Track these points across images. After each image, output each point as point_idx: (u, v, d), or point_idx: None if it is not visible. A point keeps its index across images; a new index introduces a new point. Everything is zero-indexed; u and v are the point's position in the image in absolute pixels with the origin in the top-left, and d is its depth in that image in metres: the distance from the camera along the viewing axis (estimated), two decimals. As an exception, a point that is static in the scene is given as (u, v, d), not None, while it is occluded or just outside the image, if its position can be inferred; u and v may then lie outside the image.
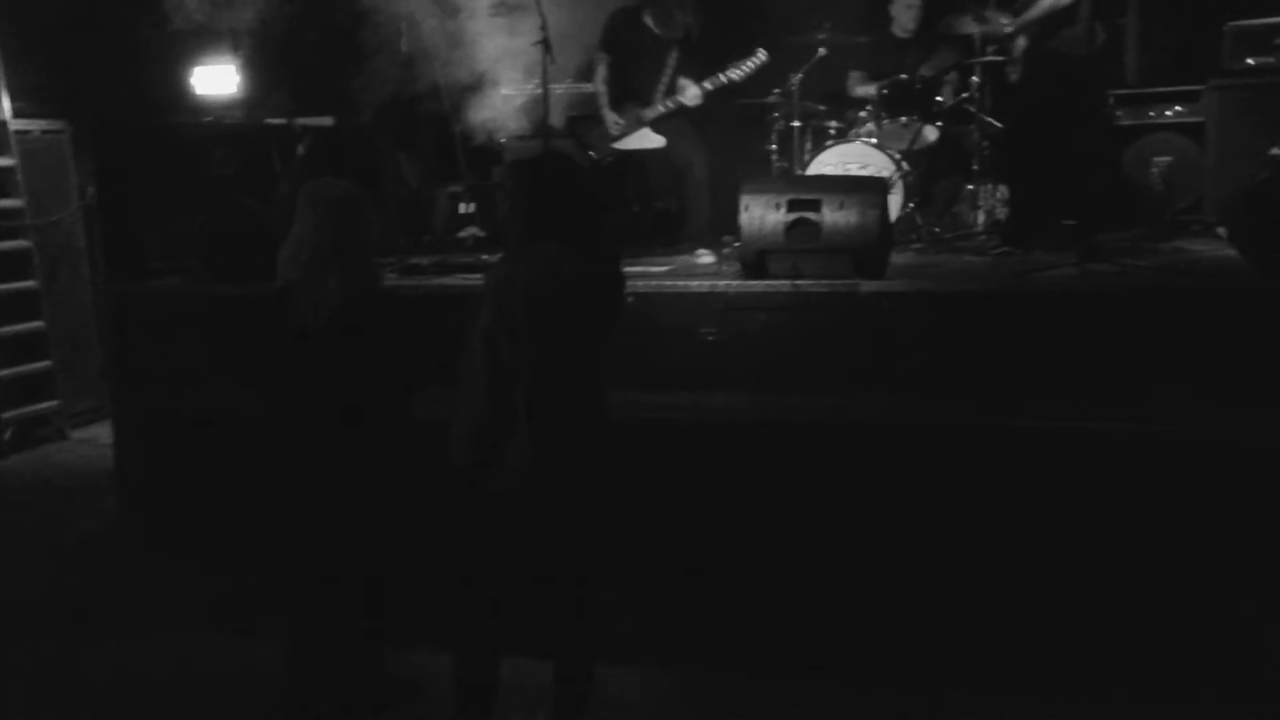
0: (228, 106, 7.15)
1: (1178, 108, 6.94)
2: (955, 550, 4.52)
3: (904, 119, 6.79)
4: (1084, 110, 6.02)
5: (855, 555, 4.62)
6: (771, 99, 7.20)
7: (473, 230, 7.33)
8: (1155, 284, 4.80)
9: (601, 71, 6.79)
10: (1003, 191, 6.94)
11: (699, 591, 4.61)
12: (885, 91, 6.87)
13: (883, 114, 6.85)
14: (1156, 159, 6.97)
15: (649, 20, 6.66)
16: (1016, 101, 6.32)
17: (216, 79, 7.23)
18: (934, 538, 4.57)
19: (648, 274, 5.75)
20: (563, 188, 3.11)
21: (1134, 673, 3.83)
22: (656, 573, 4.65)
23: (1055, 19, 5.91)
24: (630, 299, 5.09)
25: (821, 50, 7.05)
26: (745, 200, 5.18)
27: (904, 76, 6.89)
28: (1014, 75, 6.31)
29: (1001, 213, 6.93)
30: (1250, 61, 6.31)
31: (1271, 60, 6.25)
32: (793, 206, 5.10)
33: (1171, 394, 4.41)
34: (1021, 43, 6.15)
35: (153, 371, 5.49)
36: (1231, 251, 5.16)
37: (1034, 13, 5.96)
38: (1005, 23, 6.05)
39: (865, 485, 4.66)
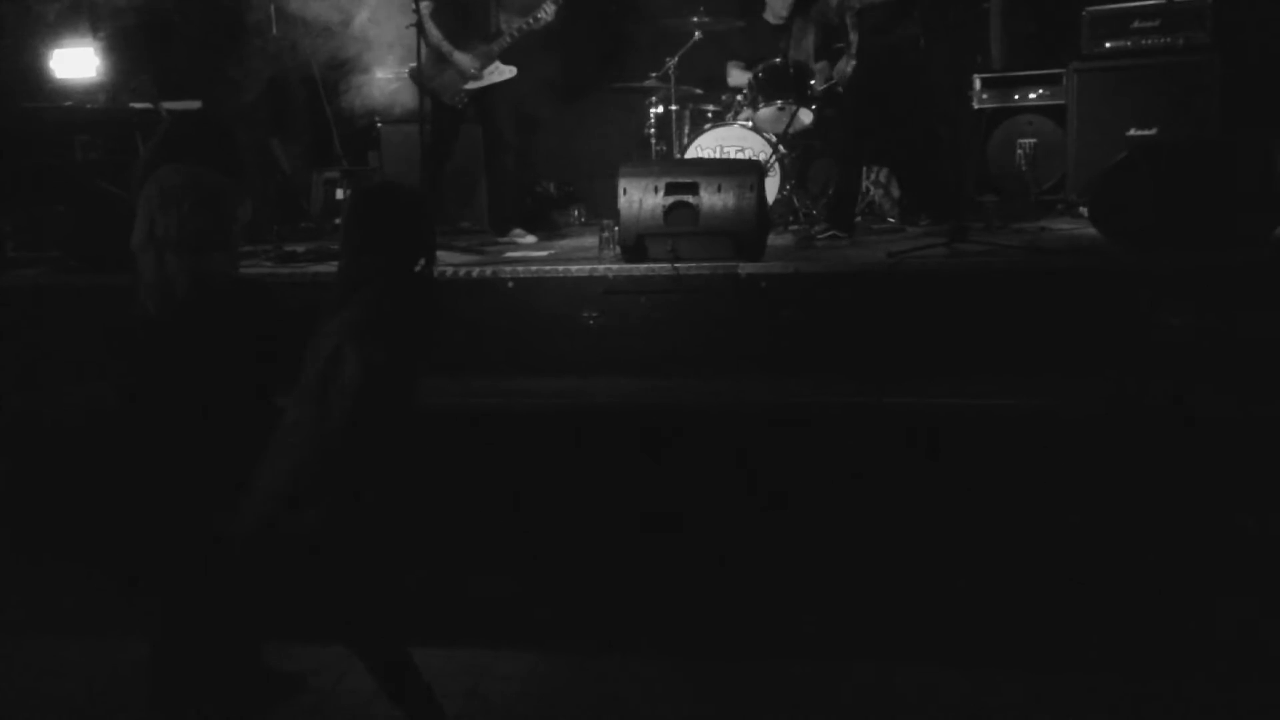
0: (89, 91, 6.90)
1: (1041, 90, 7.15)
2: (839, 528, 4.60)
3: (779, 103, 6.87)
4: (912, 101, 6.18)
5: (740, 536, 4.67)
6: (649, 83, 7.24)
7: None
8: (1022, 262, 4.94)
9: (429, 20, 6.36)
10: (877, 174, 7.09)
11: (584, 577, 4.61)
12: (760, 75, 6.94)
13: (759, 98, 6.92)
14: (1021, 140, 7.16)
15: None
16: (847, 91, 6.41)
17: (76, 62, 6.98)
18: (818, 516, 4.64)
19: (528, 259, 5.74)
20: (396, 219, 3.08)
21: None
22: (543, 559, 4.64)
23: (891, 12, 6.02)
24: (511, 285, 5.14)
25: (697, 35, 7.11)
26: (623, 184, 5.20)
27: (778, 61, 6.98)
28: (849, 66, 6.40)
29: (876, 194, 7.09)
30: (1107, 45, 6.54)
31: (1128, 44, 6.48)
32: (670, 190, 5.14)
33: (1039, 368, 4.56)
34: (854, 37, 6.25)
35: (13, 368, 5.27)
36: (1093, 230, 5.35)
37: None
38: (854, 3, 6.13)
39: (748, 465, 4.71)
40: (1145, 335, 4.56)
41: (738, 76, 7.45)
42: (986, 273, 4.84)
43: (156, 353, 3.12)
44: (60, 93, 6.76)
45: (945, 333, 4.74)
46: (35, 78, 6.73)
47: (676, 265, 5.01)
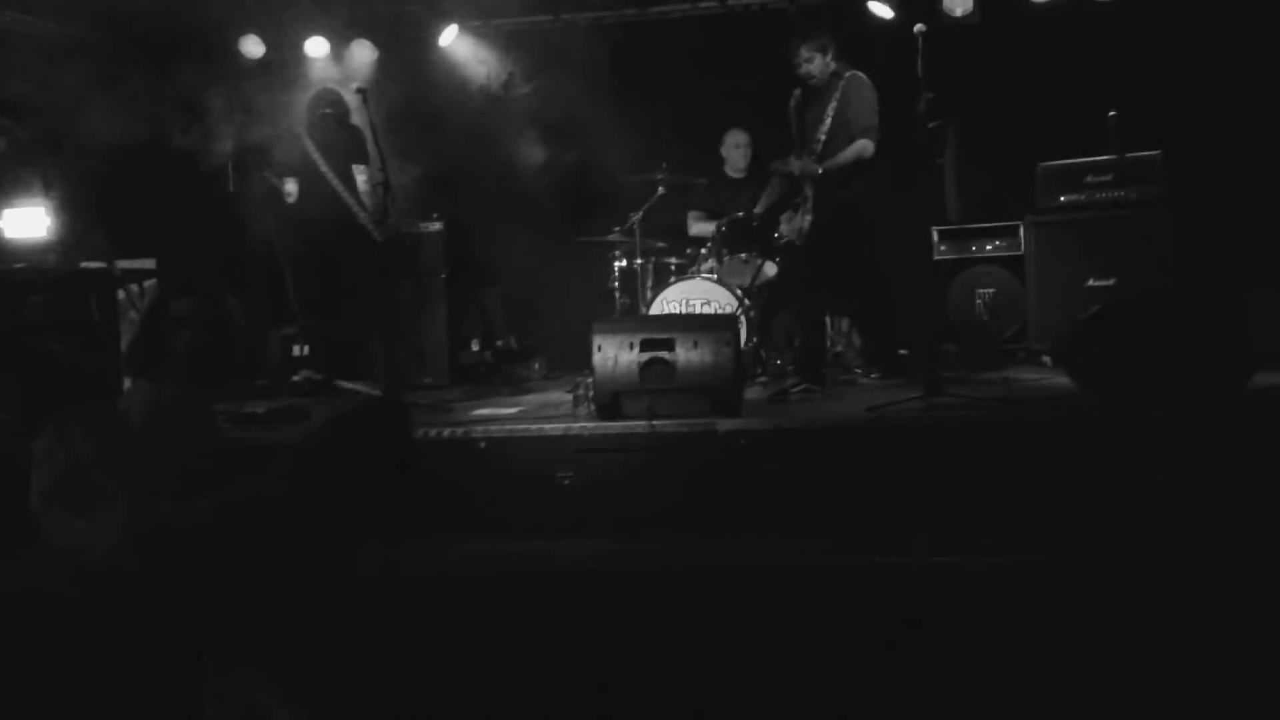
0: (41, 250, 6.75)
1: (997, 242, 7.28)
2: (821, 695, 4.41)
3: (744, 255, 6.91)
4: (868, 254, 6.32)
5: (721, 707, 4.47)
6: (613, 237, 7.25)
7: (307, 373, 7.06)
8: (1000, 415, 4.91)
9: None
10: (838, 325, 7.12)
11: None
12: (724, 229, 6.99)
13: (723, 250, 6.95)
14: (980, 290, 7.29)
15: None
16: (803, 246, 6.46)
17: (27, 222, 6.84)
18: (800, 683, 4.46)
19: (497, 416, 5.61)
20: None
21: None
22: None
23: (849, 172, 6.18)
24: (483, 444, 5.00)
25: (660, 189, 7.18)
26: (598, 340, 5.13)
27: (740, 214, 7.04)
28: (805, 221, 6.47)
29: (840, 344, 7.10)
30: (1062, 199, 6.69)
31: (1082, 197, 6.64)
32: (646, 346, 5.07)
33: (1026, 521, 4.48)
34: (810, 192, 6.35)
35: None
36: (1061, 379, 5.35)
37: (839, 160, 6.19)
38: (816, 168, 6.23)
39: (728, 630, 4.54)
40: (1128, 488, 4.52)
41: (698, 227, 7.51)
42: (967, 426, 4.79)
43: None
44: (11, 253, 6.61)
45: (931, 488, 4.66)
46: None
47: (653, 423, 4.91)
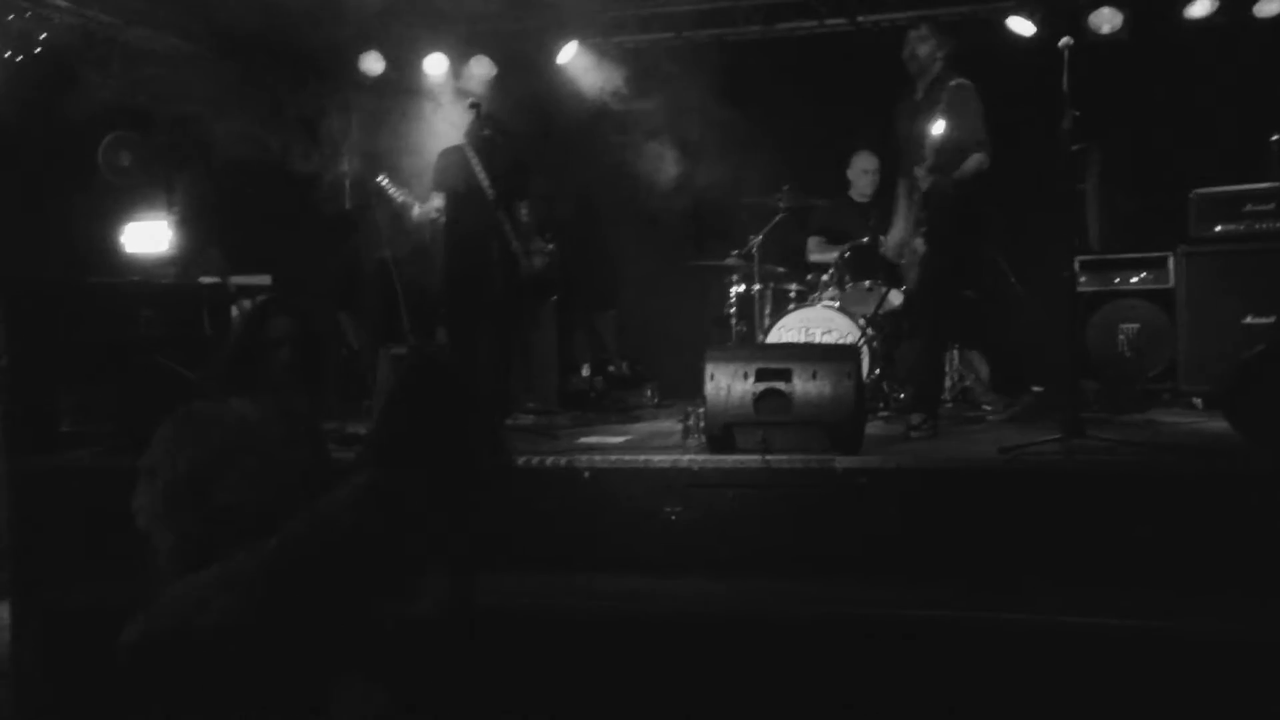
0: (160, 265, 6.79)
1: (1143, 274, 6.79)
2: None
3: (868, 283, 6.57)
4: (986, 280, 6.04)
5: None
6: (730, 261, 6.97)
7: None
8: (1148, 463, 4.49)
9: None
10: (963, 356, 6.72)
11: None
12: (847, 255, 6.67)
13: (846, 277, 6.63)
14: (1124, 325, 6.80)
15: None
16: (923, 270, 6.04)
17: (148, 236, 6.91)
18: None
19: (604, 445, 5.39)
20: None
21: None
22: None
23: (958, 192, 5.74)
24: (588, 475, 4.77)
25: (781, 213, 6.89)
26: (710, 369, 4.88)
27: (865, 240, 6.70)
28: (921, 246, 6.06)
29: (968, 378, 6.70)
30: (1218, 229, 6.21)
31: (1240, 228, 6.14)
32: (761, 376, 4.81)
33: (1175, 583, 4.06)
34: (923, 215, 5.96)
35: (60, 553, 4.96)
36: (1216, 424, 4.91)
37: (957, 176, 5.71)
38: (930, 179, 5.81)
39: (841, 682, 4.22)
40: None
41: (819, 254, 7.16)
42: (1111, 473, 4.37)
43: None
44: (129, 267, 6.66)
45: (1067, 539, 4.27)
46: (106, 252, 6.65)
47: (767, 457, 4.63)
